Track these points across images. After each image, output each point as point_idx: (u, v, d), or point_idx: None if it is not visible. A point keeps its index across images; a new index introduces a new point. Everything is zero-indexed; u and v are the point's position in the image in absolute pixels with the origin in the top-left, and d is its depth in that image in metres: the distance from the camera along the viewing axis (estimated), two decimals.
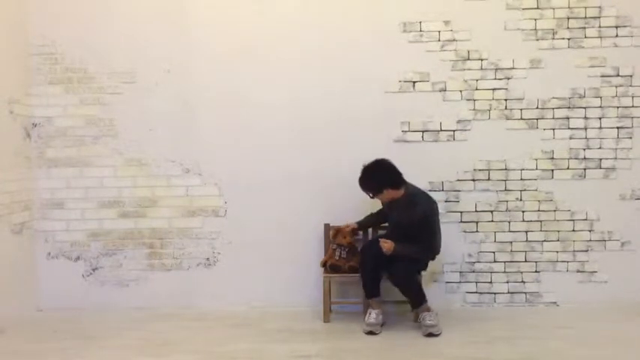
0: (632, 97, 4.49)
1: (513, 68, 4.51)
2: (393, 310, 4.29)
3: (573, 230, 4.53)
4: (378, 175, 4.04)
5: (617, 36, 4.47)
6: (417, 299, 4.03)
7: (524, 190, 4.54)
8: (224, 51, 4.60)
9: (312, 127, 4.58)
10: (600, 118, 4.51)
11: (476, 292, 4.56)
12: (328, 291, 4.26)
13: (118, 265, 4.68)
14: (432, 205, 4.05)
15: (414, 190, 4.10)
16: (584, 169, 4.52)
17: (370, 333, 3.95)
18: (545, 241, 4.54)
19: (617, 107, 4.50)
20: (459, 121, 4.53)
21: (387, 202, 4.13)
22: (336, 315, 4.34)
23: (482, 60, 4.52)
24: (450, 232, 4.52)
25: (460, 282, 4.55)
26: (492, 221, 4.54)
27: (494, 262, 4.55)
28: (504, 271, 4.55)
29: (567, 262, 4.54)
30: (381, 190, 4.03)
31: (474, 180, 4.55)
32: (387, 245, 3.96)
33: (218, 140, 4.62)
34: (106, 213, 4.67)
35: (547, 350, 3.60)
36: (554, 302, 4.53)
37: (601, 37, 4.48)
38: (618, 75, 4.49)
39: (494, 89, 4.53)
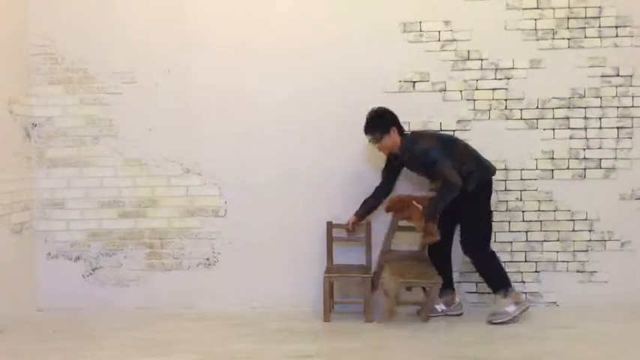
0: (632, 97, 4.49)
1: (513, 68, 4.51)
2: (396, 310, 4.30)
3: (573, 230, 4.53)
4: (387, 114, 4.15)
5: (617, 36, 4.47)
6: (493, 280, 4.15)
7: (524, 190, 4.54)
8: (224, 51, 4.60)
9: (312, 127, 4.58)
10: (600, 118, 4.51)
11: (476, 292, 4.55)
12: (328, 290, 4.26)
13: (118, 265, 4.68)
14: (425, 144, 4.10)
15: (408, 143, 4.15)
16: (584, 169, 4.52)
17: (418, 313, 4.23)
18: (545, 241, 4.54)
19: (617, 107, 4.50)
20: (458, 121, 4.53)
21: (387, 152, 4.18)
22: (336, 315, 4.34)
23: (482, 60, 4.52)
24: None
25: (460, 282, 4.54)
26: (492, 221, 4.53)
27: None
28: None
29: (567, 262, 4.53)
30: (388, 129, 4.10)
31: None
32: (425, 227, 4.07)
33: (218, 140, 4.62)
34: (106, 213, 4.67)
35: (547, 350, 3.59)
36: (554, 302, 4.53)
37: (601, 37, 4.48)
38: (618, 75, 4.49)
39: (494, 89, 4.53)
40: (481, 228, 4.17)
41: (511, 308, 4.07)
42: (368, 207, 4.35)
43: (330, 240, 4.49)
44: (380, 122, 4.14)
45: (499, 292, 4.13)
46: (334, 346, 3.77)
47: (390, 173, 4.32)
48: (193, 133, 4.64)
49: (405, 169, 4.31)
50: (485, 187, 4.18)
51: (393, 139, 4.13)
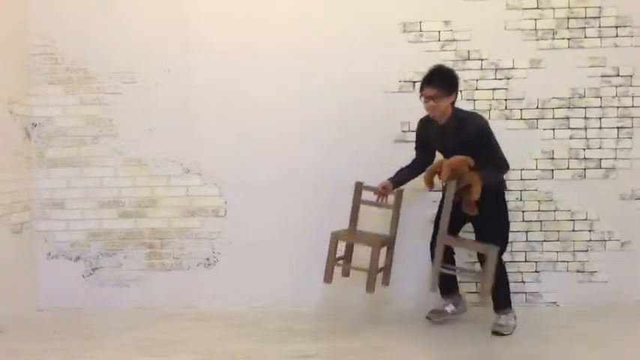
0: (632, 97, 4.49)
1: (513, 68, 4.51)
2: (395, 309, 4.29)
3: (573, 230, 4.53)
4: (457, 76, 3.89)
5: (617, 36, 4.47)
6: (506, 293, 3.93)
7: (524, 190, 4.54)
8: (224, 51, 4.60)
9: (312, 127, 4.58)
10: (600, 118, 4.51)
11: (476, 292, 4.55)
12: (334, 250, 4.03)
13: (118, 265, 4.68)
14: (481, 120, 3.85)
15: (460, 114, 3.88)
16: (584, 169, 4.52)
17: (428, 318, 4.12)
18: (545, 241, 4.54)
19: (617, 107, 4.50)
20: None
21: (436, 115, 3.84)
22: (335, 314, 4.34)
23: (482, 60, 4.53)
24: None
25: (460, 282, 4.54)
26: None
27: None
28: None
29: (567, 262, 4.54)
30: (452, 90, 3.81)
31: None
32: (475, 189, 3.63)
33: (218, 140, 4.62)
34: (106, 213, 4.67)
35: (547, 350, 3.60)
36: (554, 302, 4.53)
37: (601, 37, 4.48)
38: (618, 75, 4.49)
39: (494, 89, 4.53)
40: (503, 228, 3.93)
41: (513, 322, 3.92)
42: (402, 177, 4.10)
43: (356, 202, 4.20)
44: (450, 80, 3.84)
45: (506, 308, 3.94)
46: (334, 346, 3.77)
47: (425, 148, 4.08)
48: (193, 133, 4.64)
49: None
50: (503, 186, 4.02)
51: (447, 104, 3.83)
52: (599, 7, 4.47)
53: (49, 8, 4.64)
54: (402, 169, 4.13)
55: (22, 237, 4.52)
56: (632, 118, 4.49)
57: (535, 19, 4.50)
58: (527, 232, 4.55)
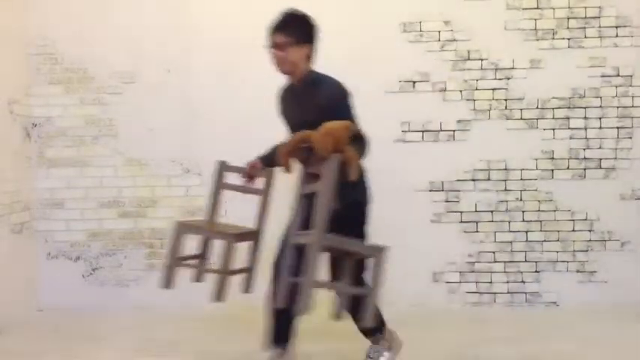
0: (632, 97, 4.49)
1: (513, 68, 4.51)
2: (395, 309, 4.27)
3: (573, 230, 4.53)
4: (316, 26, 3.10)
5: (617, 36, 4.47)
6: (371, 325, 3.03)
7: (524, 190, 4.54)
8: (225, 51, 4.60)
9: None
10: (600, 118, 4.51)
11: (476, 292, 4.56)
12: (177, 245, 3.21)
13: (117, 265, 4.68)
14: (341, 87, 3.06)
15: (318, 76, 3.12)
16: (584, 169, 4.52)
17: None
18: (545, 241, 4.54)
19: (617, 107, 4.50)
20: (459, 121, 4.54)
21: (284, 69, 3.17)
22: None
23: (482, 60, 4.52)
24: (450, 232, 4.53)
25: (460, 282, 4.55)
26: (492, 221, 4.54)
27: (494, 262, 4.55)
28: (504, 271, 4.55)
29: (567, 262, 4.53)
30: (306, 39, 3.05)
31: (473, 180, 4.55)
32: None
33: (218, 140, 4.62)
34: (106, 213, 4.67)
35: (547, 350, 3.59)
36: (554, 302, 4.53)
37: (601, 37, 4.48)
38: (618, 75, 4.49)
39: (494, 89, 4.53)
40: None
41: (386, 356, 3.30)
42: (274, 155, 3.28)
43: (218, 186, 3.42)
44: (304, 27, 3.08)
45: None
46: (334, 346, 3.77)
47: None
48: (193, 133, 4.64)
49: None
50: (368, 198, 3.18)
51: (301, 56, 3.05)
52: (599, 7, 4.47)
53: (49, 8, 4.64)
54: (276, 146, 3.32)
55: (22, 237, 4.52)
56: (632, 118, 4.49)
57: (535, 19, 4.50)
58: (527, 232, 4.55)
